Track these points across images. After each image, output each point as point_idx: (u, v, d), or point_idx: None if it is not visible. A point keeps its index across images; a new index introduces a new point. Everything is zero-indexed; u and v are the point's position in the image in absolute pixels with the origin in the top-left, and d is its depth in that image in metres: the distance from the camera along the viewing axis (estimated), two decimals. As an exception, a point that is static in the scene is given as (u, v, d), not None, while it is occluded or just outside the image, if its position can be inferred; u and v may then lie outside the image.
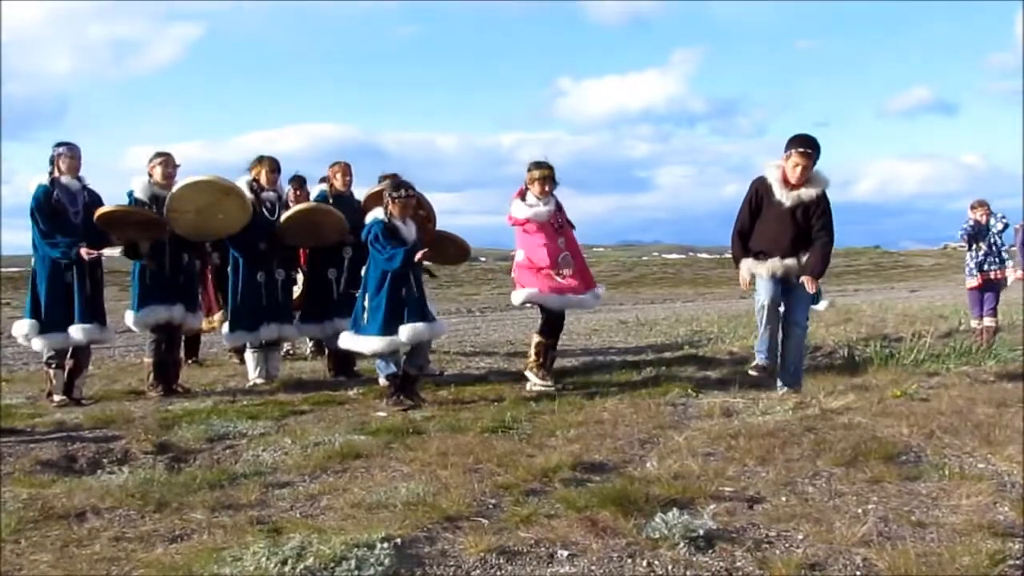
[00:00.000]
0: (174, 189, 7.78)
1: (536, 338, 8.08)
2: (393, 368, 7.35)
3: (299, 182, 9.84)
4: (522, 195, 7.86)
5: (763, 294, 7.02)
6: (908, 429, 5.62)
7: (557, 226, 7.85)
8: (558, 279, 7.81)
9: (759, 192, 7.02)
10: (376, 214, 7.21)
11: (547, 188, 7.80)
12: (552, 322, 8.06)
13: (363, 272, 7.40)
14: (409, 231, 7.23)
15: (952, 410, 6.22)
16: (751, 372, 7.23)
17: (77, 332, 7.42)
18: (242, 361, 10.11)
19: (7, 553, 3.71)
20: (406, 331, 7.07)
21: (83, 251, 7.31)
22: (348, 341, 7.41)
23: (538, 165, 7.86)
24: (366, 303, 7.22)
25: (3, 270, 36.50)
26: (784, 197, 6.90)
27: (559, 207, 7.92)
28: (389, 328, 7.08)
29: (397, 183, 7.32)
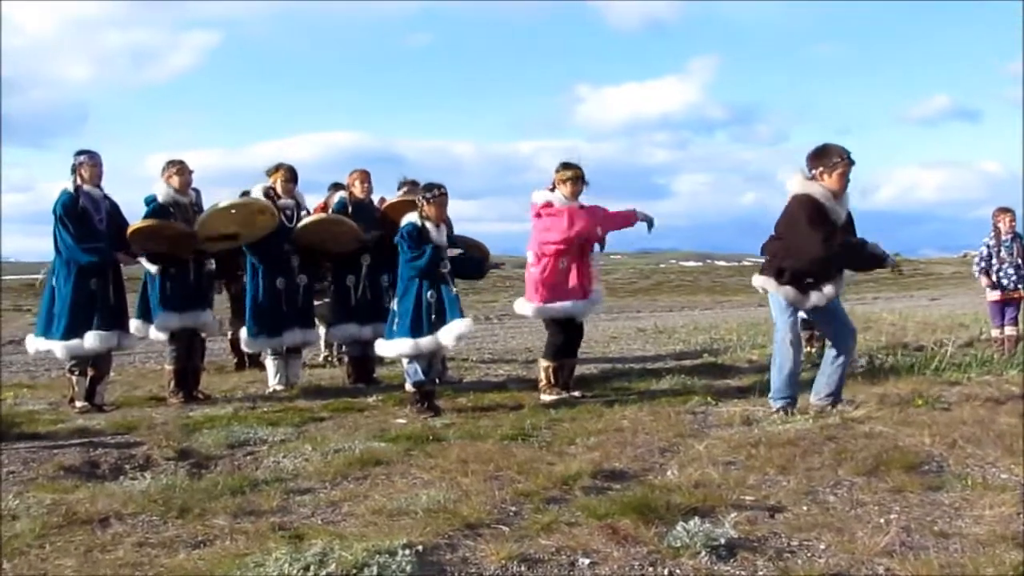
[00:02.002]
0: (207, 211, 7.88)
1: (544, 363, 7.82)
2: (423, 376, 7.19)
3: (338, 189, 9.84)
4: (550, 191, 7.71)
5: (788, 327, 6.58)
6: (930, 438, 5.57)
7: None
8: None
9: (819, 210, 6.39)
10: (411, 217, 7.16)
11: (578, 189, 7.64)
12: (559, 339, 7.80)
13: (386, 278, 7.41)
14: (440, 236, 7.19)
15: (974, 419, 6.17)
16: (775, 414, 6.53)
17: (99, 339, 7.47)
18: (242, 365, 10.18)
19: (32, 558, 3.74)
20: (443, 333, 7.05)
21: (120, 255, 7.39)
22: (380, 347, 7.43)
23: (567, 166, 7.67)
24: (395, 307, 7.24)
25: (22, 277, 36.84)
26: (838, 216, 6.48)
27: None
28: (416, 331, 7.06)
29: (428, 184, 7.29)
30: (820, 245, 6.35)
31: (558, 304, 7.67)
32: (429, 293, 7.09)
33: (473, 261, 7.62)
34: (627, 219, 7.95)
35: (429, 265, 7.02)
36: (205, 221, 7.84)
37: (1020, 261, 10.90)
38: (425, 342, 7.07)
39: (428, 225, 7.11)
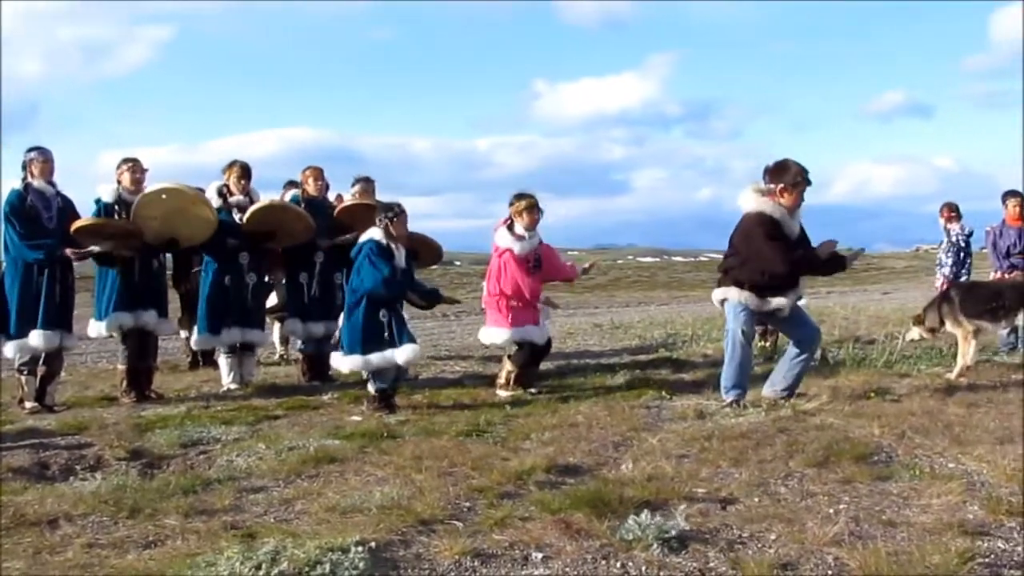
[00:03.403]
0: (141, 194, 7.74)
1: (509, 366, 7.83)
2: (384, 384, 7.16)
3: (293, 187, 9.78)
4: (509, 227, 7.75)
5: (739, 321, 6.70)
6: (880, 430, 5.67)
7: (532, 264, 7.77)
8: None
9: (775, 225, 6.58)
10: (372, 234, 7.09)
11: (535, 218, 7.73)
12: (528, 354, 7.86)
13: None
14: (401, 258, 7.17)
15: (923, 411, 6.29)
16: (728, 408, 6.62)
17: (43, 338, 7.34)
18: (196, 364, 10.07)
19: (-22, 561, 3.68)
20: (399, 353, 7.04)
21: (69, 251, 7.30)
22: (335, 361, 7.34)
23: (521, 196, 7.77)
24: (345, 320, 7.21)
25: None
26: (792, 230, 6.65)
27: (540, 243, 7.89)
28: (367, 348, 7.02)
29: (388, 204, 7.28)
30: (780, 260, 6.54)
31: (526, 328, 7.78)
32: (382, 312, 7.07)
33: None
34: (569, 277, 8.52)
35: (399, 293, 7.17)
36: (138, 205, 7.70)
37: (961, 256, 11.14)
38: (375, 359, 7.04)
39: (392, 245, 7.09)
